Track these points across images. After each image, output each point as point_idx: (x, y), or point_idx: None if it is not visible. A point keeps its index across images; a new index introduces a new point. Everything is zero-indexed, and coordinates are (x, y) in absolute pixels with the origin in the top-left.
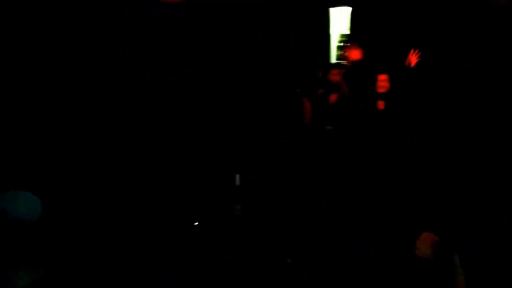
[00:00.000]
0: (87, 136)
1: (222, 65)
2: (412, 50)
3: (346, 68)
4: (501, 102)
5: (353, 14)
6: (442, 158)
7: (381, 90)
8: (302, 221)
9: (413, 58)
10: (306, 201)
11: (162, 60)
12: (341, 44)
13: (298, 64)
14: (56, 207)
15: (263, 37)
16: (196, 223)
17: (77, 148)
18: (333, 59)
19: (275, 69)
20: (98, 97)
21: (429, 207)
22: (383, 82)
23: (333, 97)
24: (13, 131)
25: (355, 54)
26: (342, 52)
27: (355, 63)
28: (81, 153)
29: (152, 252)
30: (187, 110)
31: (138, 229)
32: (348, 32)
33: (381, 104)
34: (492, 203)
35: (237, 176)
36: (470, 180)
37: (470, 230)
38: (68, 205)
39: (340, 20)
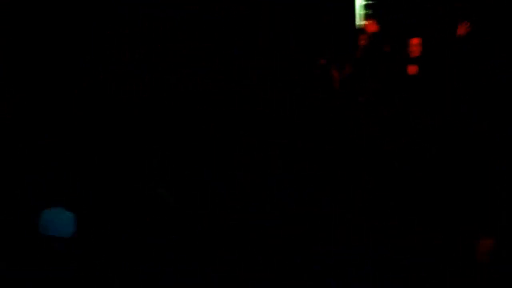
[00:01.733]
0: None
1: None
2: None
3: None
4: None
5: None
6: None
7: (414, 54)
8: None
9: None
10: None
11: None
12: (368, 2)
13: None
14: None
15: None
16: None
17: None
18: (358, 20)
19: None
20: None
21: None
22: (415, 46)
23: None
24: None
25: (371, 27)
26: (369, 11)
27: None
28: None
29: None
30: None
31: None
32: None
33: (412, 69)
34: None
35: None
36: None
37: None
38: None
39: None
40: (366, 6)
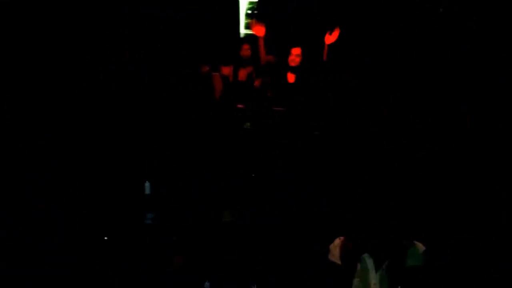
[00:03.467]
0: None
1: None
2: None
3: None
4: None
5: None
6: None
7: (292, 64)
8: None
9: (331, 36)
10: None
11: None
12: (250, 12)
13: (207, 40)
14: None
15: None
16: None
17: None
18: (242, 29)
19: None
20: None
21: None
22: (296, 56)
23: (243, 73)
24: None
25: (259, 31)
26: (251, 21)
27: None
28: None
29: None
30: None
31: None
32: None
33: (291, 78)
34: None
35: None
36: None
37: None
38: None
39: None
40: (249, 15)
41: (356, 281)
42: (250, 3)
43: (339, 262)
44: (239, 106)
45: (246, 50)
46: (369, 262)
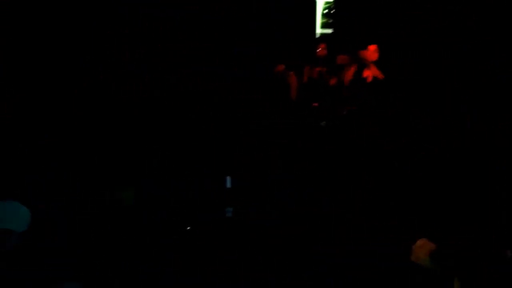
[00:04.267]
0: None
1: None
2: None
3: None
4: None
5: None
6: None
7: (371, 60)
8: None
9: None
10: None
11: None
12: (327, 11)
13: (283, 39)
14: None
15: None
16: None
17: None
18: (319, 29)
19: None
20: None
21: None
22: (373, 52)
23: (318, 72)
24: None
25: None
26: (328, 20)
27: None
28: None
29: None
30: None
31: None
32: None
33: (367, 75)
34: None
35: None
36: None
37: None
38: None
39: None
40: (325, 15)
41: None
42: (327, 3)
43: (423, 263)
44: (314, 104)
45: (322, 50)
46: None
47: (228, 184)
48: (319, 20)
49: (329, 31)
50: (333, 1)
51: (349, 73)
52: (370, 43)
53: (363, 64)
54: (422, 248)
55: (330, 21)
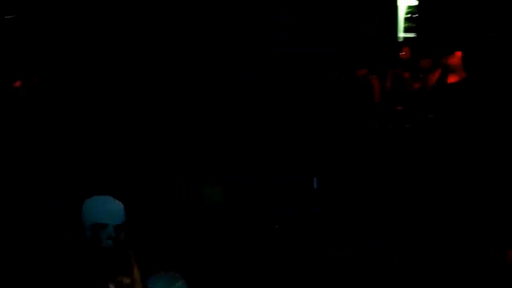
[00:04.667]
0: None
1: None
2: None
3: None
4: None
5: None
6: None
7: (455, 67)
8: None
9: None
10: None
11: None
12: (409, 16)
13: (365, 42)
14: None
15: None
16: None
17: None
18: (401, 33)
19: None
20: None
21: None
22: (457, 59)
23: (405, 75)
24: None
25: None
26: (410, 24)
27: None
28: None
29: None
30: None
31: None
32: (416, 2)
33: (452, 79)
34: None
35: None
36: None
37: None
38: None
39: None
40: (408, 19)
41: None
42: (409, 7)
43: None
44: (398, 108)
45: (405, 53)
46: None
47: (315, 185)
48: (401, 24)
49: (411, 35)
50: (415, 5)
51: (433, 78)
52: (454, 48)
53: (447, 69)
54: None
55: (413, 25)
